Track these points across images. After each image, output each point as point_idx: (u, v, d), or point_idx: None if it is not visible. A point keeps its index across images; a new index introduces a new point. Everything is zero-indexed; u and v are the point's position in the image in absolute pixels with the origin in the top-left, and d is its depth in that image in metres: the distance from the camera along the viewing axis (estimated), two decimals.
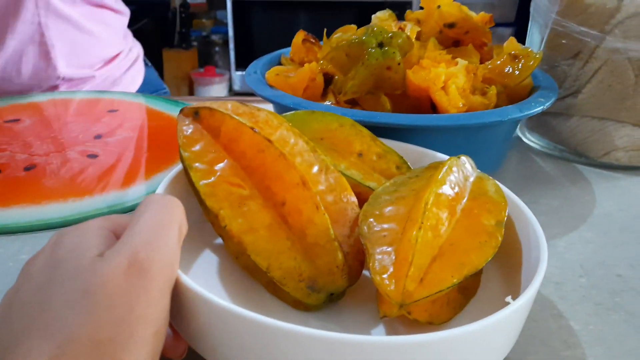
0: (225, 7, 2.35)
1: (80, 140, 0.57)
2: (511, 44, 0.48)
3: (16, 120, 0.62)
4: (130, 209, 0.44)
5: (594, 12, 0.49)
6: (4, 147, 0.55)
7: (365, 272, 0.30)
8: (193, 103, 0.69)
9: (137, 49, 0.96)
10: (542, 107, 0.42)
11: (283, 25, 2.33)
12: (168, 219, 0.24)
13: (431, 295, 0.25)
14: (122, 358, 0.20)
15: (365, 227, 0.28)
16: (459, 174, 0.31)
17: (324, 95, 0.46)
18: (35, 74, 0.80)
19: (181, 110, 0.30)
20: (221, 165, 0.29)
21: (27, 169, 0.50)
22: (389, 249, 0.27)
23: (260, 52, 0.55)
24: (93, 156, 0.53)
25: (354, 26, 0.51)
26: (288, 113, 0.35)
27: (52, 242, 0.24)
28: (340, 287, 0.28)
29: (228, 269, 0.31)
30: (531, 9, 0.57)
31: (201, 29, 2.64)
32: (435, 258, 0.27)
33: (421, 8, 0.51)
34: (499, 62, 0.46)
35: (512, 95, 0.46)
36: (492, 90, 0.43)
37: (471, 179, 0.32)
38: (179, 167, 0.32)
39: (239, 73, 2.42)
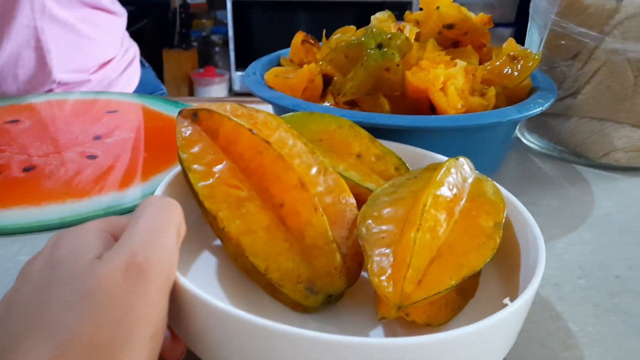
0: (225, 8, 2.35)
1: (80, 141, 0.57)
2: (510, 45, 0.48)
3: (15, 121, 0.62)
4: (130, 210, 0.44)
5: (593, 13, 0.49)
6: (3, 148, 0.55)
7: (363, 274, 0.30)
8: (192, 104, 0.69)
9: (134, 50, 0.96)
10: (541, 108, 0.42)
11: (283, 26, 2.33)
12: (166, 221, 0.24)
13: (429, 297, 0.25)
14: (120, 359, 0.20)
15: (363, 229, 0.28)
16: (457, 175, 0.31)
17: (323, 97, 0.46)
18: (31, 79, 0.80)
19: (180, 112, 0.30)
20: (220, 166, 0.29)
21: (26, 170, 0.50)
22: (387, 251, 0.27)
23: (260, 53, 0.55)
24: (92, 157, 0.53)
25: (353, 27, 0.51)
26: (287, 114, 0.35)
27: (51, 244, 0.24)
28: (338, 288, 0.28)
29: (227, 271, 0.31)
30: (530, 10, 0.57)
31: (201, 30, 2.64)
32: (433, 260, 0.27)
33: (421, 9, 0.51)
34: (498, 63, 0.46)
35: (511, 96, 0.46)
36: (491, 92, 0.43)
37: (469, 180, 0.32)
38: (177, 168, 0.32)
39: (239, 73, 2.42)
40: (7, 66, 0.78)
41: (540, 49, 0.55)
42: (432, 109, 0.42)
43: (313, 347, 0.22)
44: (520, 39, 0.59)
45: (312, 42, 0.51)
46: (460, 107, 0.41)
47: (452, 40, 0.49)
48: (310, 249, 0.28)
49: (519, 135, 0.60)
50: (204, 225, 0.30)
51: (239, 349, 0.23)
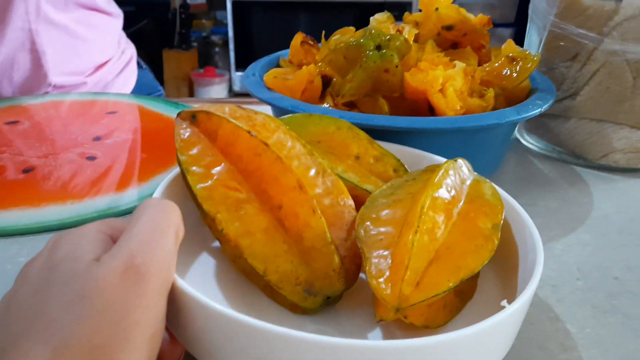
0: (225, 8, 2.35)
1: (79, 142, 0.57)
2: (509, 46, 0.48)
3: (15, 122, 0.62)
4: (129, 211, 0.44)
5: (592, 15, 0.50)
6: (2, 149, 0.55)
7: (362, 275, 0.30)
8: (192, 104, 0.69)
9: (131, 51, 0.95)
10: (539, 109, 0.42)
11: (283, 26, 2.33)
12: (165, 223, 0.24)
13: (427, 299, 0.25)
14: None
15: (362, 231, 0.28)
16: (455, 177, 0.31)
17: (322, 98, 0.46)
18: (26, 82, 0.79)
19: (178, 114, 0.30)
20: (218, 168, 0.29)
21: (25, 171, 0.50)
22: (386, 253, 0.27)
23: (260, 53, 0.55)
24: (91, 158, 0.53)
25: (352, 28, 0.51)
26: (285, 116, 0.35)
27: (50, 246, 0.24)
28: (336, 290, 0.28)
29: (225, 272, 0.31)
30: (529, 11, 0.57)
31: (201, 30, 2.64)
32: (431, 262, 0.27)
33: (420, 10, 0.51)
34: (496, 64, 0.46)
35: (510, 98, 0.46)
36: (490, 93, 0.43)
37: (468, 182, 0.32)
38: (176, 170, 0.32)
39: (239, 74, 2.42)
40: (2, 69, 0.77)
41: (539, 50, 0.55)
42: (431, 110, 0.42)
43: (311, 350, 0.22)
44: (520, 39, 0.59)
45: (312, 43, 0.51)
46: (459, 108, 0.41)
47: (451, 42, 0.49)
48: (308, 250, 0.28)
49: (518, 136, 0.60)
50: (202, 226, 0.30)
51: (238, 351, 0.23)
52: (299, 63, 0.51)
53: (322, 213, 0.28)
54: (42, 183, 0.48)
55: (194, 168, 0.28)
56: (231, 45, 2.40)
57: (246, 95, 0.47)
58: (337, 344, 0.22)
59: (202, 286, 0.30)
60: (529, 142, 0.58)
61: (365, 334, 0.28)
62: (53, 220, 0.42)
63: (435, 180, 0.29)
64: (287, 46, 0.53)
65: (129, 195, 0.46)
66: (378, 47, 0.41)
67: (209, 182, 0.28)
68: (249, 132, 0.28)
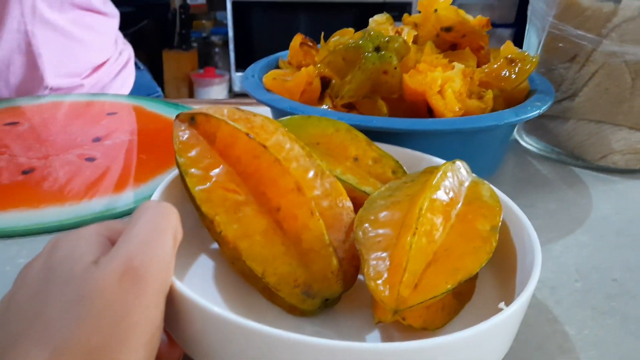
0: (225, 8, 2.35)
1: (79, 143, 0.57)
2: (508, 47, 0.48)
3: (15, 124, 0.62)
4: (128, 213, 0.44)
5: (590, 16, 0.50)
6: (2, 150, 0.55)
7: (360, 277, 0.30)
8: (192, 106, 0.69)
9: (128, 52, 0.94)
10: (538, 111, 0.42)
11: (283, 26, 2.33)
12: (163, 226, 0.24)
13: (425, 301, 0.25)
14: None
15: (360, 233, 0.28)
16: (453, 179, 0.31)
17: (321, 99, 0.46)
18: (22, 84, 0.78)
19: (177, 116, 0.30)
20: (217, 171, 0.29)
21: (25, 172, 0.50)
22: (384, 255, 0.27)
23: (260, 53, 0.55)
24: (91, 159, 0.53)
25: (351, 29, 0.51)
26: (284, 118, 0.35)
27: (49, 248, 0.24)
28: (335, 292, 0.28)
29: (224, 274, 0.31)
30: (528, 12, 0.57)
31: (201, 30, 2.64)
32: (429, 264, 0.27)
33: (419, 11, 0.51)
34: (495, 65, 0.46)
35: (509, 99, 0.46)
36: (489, 94, 0.43)
37: (466, 184, 0.32)
38: (175, 172, 0.32)
39: (239, 74, 2.42)
40: None
41: (538, 52, 0.55)
42: (429, 112, 0.42)
43: (309, 352, 0.22)
44: (520, 39, 0.59)
45: (311, 44, 0.51)
46: (457, 110, 0.41)
47: (450, 43, 0.49)
48: (307, 252, 0.28)
49: (517, 137, 0.60)
50: (201, 228, 0.30)
51: (236, 353, 0.23)
52: (298, 64, 0.51)
53: (320, 215, 0.28)
54: (41, 184, 0.48)
55: (193, 170, 0.29)
56: (231, 46, 2.41)
57: (246, 95, 0.47)
58: (335, 347, 0.22)
59: (201, 288, 0.30)
60: (528, 143, 0.59)
61: (363, 336, 0.28)
62: (52, 222, 0.42)
63: (434, 182, 0.29)
64: (287, 46, 0.53)
65: (128, 197, 0.46)
66: (377, 49, 0.41)
67: (208, 184, 0.28)
68: (247, 134, 0.28)
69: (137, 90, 0.94)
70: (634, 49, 0.48)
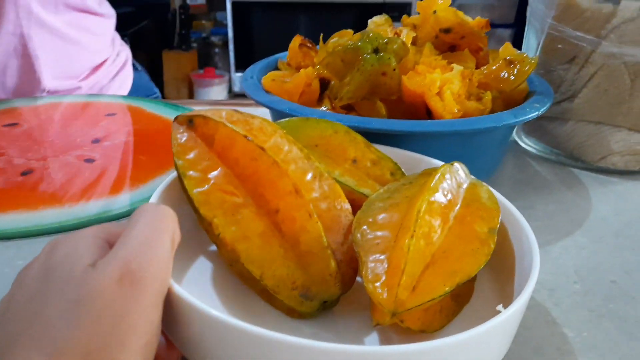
0: (224, 9, 2.35)
1: (78, 145, 0.57)
2: (506, 49, 0.48)
3: (14, 125, 0.62)
4: (126, 214, 0.44)
5: (589, 17, 0.50)
6: (1, 152, 0.55)
7: (359, 279, 0.30)
8: (191, 107, 0.69)
9: (125, 53, 0.94)
10: (537, 112, 0.42)
11: (283, 27, 2.33)
12: (161, 229, 0.24)
13: (423, 304, 0.25)
14: None
15: (358, 235, 0.28)
16: (451, 181, 0.31)
17: (319, 101, 0.46)
18: (19, 87, 0.78)
19: (175, 118, 0.30)
20: (215, 173, 0.29)
21: (24, 173, 0.50)
22: (382, 257, 0.27)
23: (260, 53, 0.55)
24: (90, 161, 0.53)
25: (350, 31, 0.51)
26: (282, 120, 0.35)
27: (47, 251, 0.24)
28: (333, 294, 0.28)
29: (223, 276, 0.31)
30: (527, 14, 0.57)
31: (201, 31, 2.64)
32: (427, 266, 0.27)
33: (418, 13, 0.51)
34: (494, 67, 0.46)
35: (508, 101, 0.46)
36: (488, 96, 0.43)
37: (464, 186, 0.32)
38: (173, 174, 0.32)
39: (239, 74, 2.42)
40: None
41: (537, 53, 0.55)
42: (428, 114, 0.42)
43: (307, 355, 0.22)
44: (520, 40, 0.59)
45: (310, 45, 0.51)
46: (456, 111, 0.41)
47: (449, 44, 0.49)
48: (305, 255, 0.28)
49: (517, 138, 0.60)
50: (200, 230, 0.30)
51: (234, 356, 0.23)
52: (297, 65, 0.51)
53: (318, 217, 0.28)
54: (40, 186, 0.48)
55: (191, 172, 0.29)
56: (231, 46, 2.41)
57: (246, 96, 0.47)
58: (333, 350, 0.22)
59: (199, 290, 0.30)
60: (527, 144, 0.59)
61: (362, 338, 0.28)
62: (51, 224, 0.42)
63: (432, 184, 0.29)
64: (287, 47, 0.53)
65: (127, 198, 0.46)
66: (375, 51, 0.41)
67: (206, 186, 0.28)
68: (245, 136, 0.28)
69: (135, 92, 0.93)
70: (633, 50, 0.48)
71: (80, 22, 0.82)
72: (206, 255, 0.33)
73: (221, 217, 0.28)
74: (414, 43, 0.49)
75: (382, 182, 0.34)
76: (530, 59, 0.46)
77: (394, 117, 0.42)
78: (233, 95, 2.55)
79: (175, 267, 0.25)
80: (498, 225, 0.29)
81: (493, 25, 0.51)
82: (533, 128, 0.57)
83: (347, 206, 0.30)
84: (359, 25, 0.51)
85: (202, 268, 0.32)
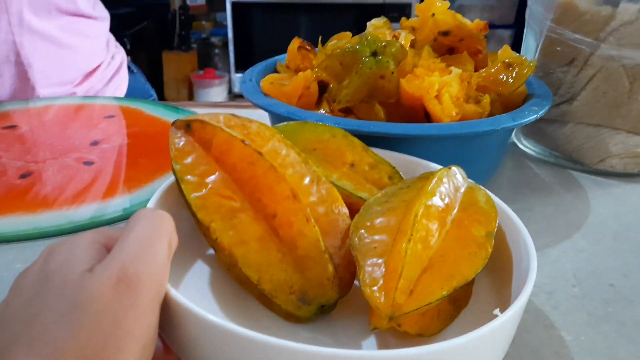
0: (224, 9, 2.35)
1: (77, 147, 0.57)
2: (505, 52, 0.48)
3: (13, 127, 0.62)
4: (127, 217, 0.44)
5: (588, 20, 0.50)
6: (0, 154, 0.55)
7: (357, 283, 0.30)
8: (191, 108, 0.69)
9: (120, 56, 0.93)
10: (535, 115, 0.42)
11: (282, 27, 2.34)
12: (158, 234, 0.24)
13: (420, 308, 0.25)
14: None
15: (356, 239, 0.28)
16: (449, 184, 0.31)
17: (318, 104, 0.46)
18: (13, 96, 0.77)
19: (173, 123, 0.30)
20: (212, 177, 0.29)
21: (22, 176, 0.50)
22: (379, 261, 0.27)
23: (260, 54, 0.55)
24: (89, 163, 0.53)
25: (349, 33, 0.51)
26: (280, 124, 0.35)
27: (44, 255, 0.24)
28: (331, 299, 0.28)
29: (220, 280, 0.31)
30: (526, 16, 0.57)
31: (201, 31, 2.64)
32: (425, 270, 0.27)
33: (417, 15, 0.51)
34: (493, 70, 0.46)
35: (507, 103, 0.46)
36: (486, 99, 0.43)
37: (462, 190, 0.32)
38: (171, 178, 0.33)
39: (239, 75, 2.42)
40: None
41: (536, 55, 0.55)
42: (427, 117, 0.42)
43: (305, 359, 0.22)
44: (520, 40, 0.59)
45: (309, 48, 0.51)
46: (454, 114, 0.41)
47: (447, 47, 0.49)
48: (302, 259, 0.28)
49: (516, 141, 0.60)
50: (198, 235, 0.30)
51: None
52: (296, 68, 0.51)
53: (316, 221, 0.28)
54: (39, 188, 0.48)
55: (189, 177, 0.29)
56: (231, 47, 2.41)
57: None
58: (331, 354, 0.22)
59: (197, 294, 0.30)
60: (526, 146, 0.59)
61: (359, 342, 0.28)
62: (49, 227, 0.42)
63: (429, 188, 0.29)
64: (287, 47, 0.53)
65: (127, 201, 0.46)
66: (374, 54, 0.41)
67: (203, 191, 0.28)
68: (242, 141, 0.28)
69: (131, 95, 0.92)
70: (631, 52, 0.48)
71: (73, 26, 0.81)
72: (204, 260, 0.33)
73: (219, 221, 0.28)
74: (412, 46, 0.49)
75: (380, 186, 0.34)
76: (529, 61, 0.46)
77: (393, 120, 0.42)
78: (233, 96, 2.55)
79: (173, 271, 0.25)
80: (495, 229, 0.29)
81: (493, 26, 0.51)
82: (532, 130, 0.57)
83: (345, 210, 0.30)
84: (359, 26, 0.51)
85: (200, 272, 0.32)
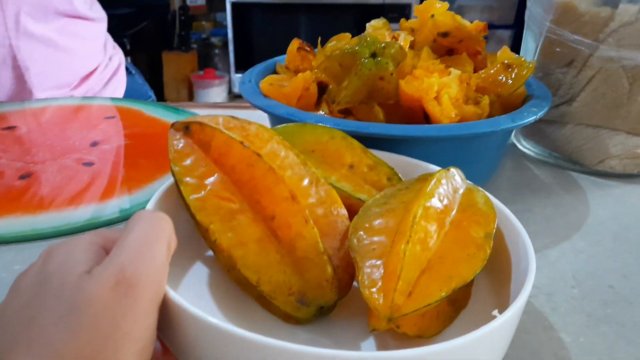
0: (224, 10, 2.36)
1: (77, 148, 0.57)
2: (504, 53, 0.48)
3: (12, 128, 0.62)
4: (126, 218, 0.44)
5: (588, 21, 0.50)
6: None
7: (356, 284, 0.30)
8: (191, 109, 0.69)
9: (118, 57, 0.92)
10: (534, 117, 0.42)
11: (282, 27, 2.34)
12: (156, 235, 0.24)
13: (419, 309, 0.25)
14: None
15: (355, 240, 0.28)
16: (448, 186, 0.31)
17: (318, 105, 0.46)
18: (10, 99, 0.77)
19: (172, 125, 0.30)
20: (211, 179, 0.29)
21: (22, 177, 0.50)
22: (378, 262, 0.27)
23: (260, 54, 0.55)
24: (89, 164, 0.53)
25: (348, 34, 0.51)
26: (279, 126, 0.35)
27: (43, 257, 0.24)
28: (330, 300, 0.28)
29: (220, 282, 0.31)
30: (526, 17, 0.57)
31: (201, 32, 2.64)
32: (423, 271, 0.27)
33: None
34: (492, 71, 0.46)
35: (506, 104, 0.46)
36: (485, 100, 0.43)
37: (460, 191, 0.32)
38: (170, 180, 0.33)
39: (239, 75, 2.42)
40: None
41: (536, 56, 0.55)
42: (426, 118, 0.42)
43: None
44: (520, 41, 0.59)
45: (308, 49, 0.51)
46: (454, 116, 0.41)
47: (447, 48, 0.50)
48: (301, 261, 0.28)
49: (515, 142, 0.60)
50: (197, 236, 0.30)
51: None
52: (295, 69, 0.51)
53: (315, 223, 0.28)
54: (38, 189, 0.48)
55: (188, 179, 0.29)
56: (231, 47, 2.41)
57: None
58: (330, 355, 0.22)
59: (196, 296, 0.30)
60: (526, 147, 0.59)
61: (358, 344, 0.28)
62: (49, 228, 0.42)
63: (428, 190, 0.29)
64: (287, 48, 0.53)
65: (126, 202, 0.46)
66: (373, 55, 0.41)
67: (202, 192, 0.28)
68: (241, 142, 0.28)
69: (129, 96, 0.92)
70: (631, 53, 0.48)
71: (70, 28, 0.80)
72: (203, 261, 0.33)
73: (218, 223, 0.28)
74: (411, 47, 0.49)
75: (379, 187, 0.34)
76: (528, 62, 0.46)
77: (392, 122, 0.42)
78: (233, 96, 2.55)
79: (172, 272, 0.25)
80: (494, 230, 0.29)
81: (493, 27, 0.51)
82: (531, 131, 0.57)
83: (344, 212, 0.30)
84: (359, 26, 0.51)
85: (199, 274, 0.32)
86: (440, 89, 0.41)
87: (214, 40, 2.62)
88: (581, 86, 0.52)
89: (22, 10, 0.74)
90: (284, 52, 0.53)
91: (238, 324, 0.23)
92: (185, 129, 0.30)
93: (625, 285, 0.37)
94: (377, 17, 0.53)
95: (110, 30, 0.93)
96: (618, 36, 0.49)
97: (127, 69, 0.95)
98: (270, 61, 0.55)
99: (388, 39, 0.48)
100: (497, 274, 0.31)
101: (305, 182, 0.30)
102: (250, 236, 0.28)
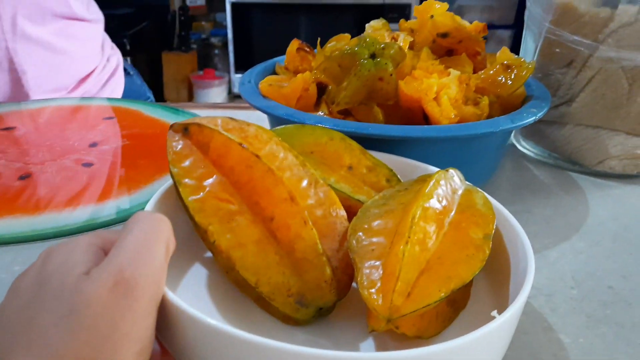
0: (224, 10, 2.36)
1: (76, 149, 0.57)
2: (504, 53, 0.48)
3: (12, 128, 0.62)
4: (125, 218, 0.44)
5: (587, 22, 0.50)
6: None
7: (355, 285, 0.30)
8: (191, 110, 0.69)
9: (116, 58, 0.92)
10: (534, 117, 0.42)
11: (282, 28, 2.34)
12: (155, 237, 0.24)
13: (418, 310, 0.25)
14: None
15: (354, 241, 0.28)
16: (446, 187, 0.31)
17: (317, 105, 0.46)
18: (9, 102, 0.76)
19: (171, 126, 0.30)
20: (210, 180, 0.29)
21: (21, 177, 0.50)
22: (377, 263, 0.27)
23: (260, 54, 0.55)
24: (88, 165, 0.53)
25: (347, 35, 0.51)
26: (278, 127, 0.35)
27: (42, 258, 0.24)
28: (329, 301, 0.28)
29: (219, 283, 0.31)
30: (525, 18, 0.57)
31: (200, 32, 2.64)
32: (422, 272, 0.27)
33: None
34: (491, 72, 0.46)
35: (505, 105, 0.46)
36: (485, 101, 0.43)
37: (459, 192, 0.32)
38: (170, 181, 0.33)
39: (239, 75, 2.43)
40: None
41: (535, 57, 0.55)
42: (425, 119, 0.42)
43: None
44: (520, 41, 0.59)
45: (307, 50, 0.51)
46: (453, 117, 0.41)
47: (446, 49, 0.50)
48: (300, 262, 0.28)
49: (515, 142, 0.60)
50: (196, 238, 0.30)
51: None
52: (294, 70, 0.51)
53: (314, 224, 0.28)
54: (38, 190, 0.48)
55: (186, 180, 0.29)
56: (230, 47, 2.41)
57: None
58: (329, 356, 0.22)
59: (195, 297, 0.30)
60: (525, 147, 0.59)
61: (357, 345, 0.28)
62: (48, 229, 0.42)
63: (426, 191, 0.29)
64: (286, 48, 0.53)
65: (125, 203, 0.46)
66: (372, 56, 0.41)
67: (201, 194, 0.28)
68: (240, 144, 0.28)
69: (127, 97, 0.91)
70: (630, 54, 0.48)
71: (67, 30, 0.80)
72: (202, 263, 0.33)
73: (216, 224, 0.28)
74: (411, 48, 0.49)
75: (378, 188, 0.34)
76: (528, 63, 0.46)
77: (391, 122, 0.42)
78: (233, 96, 2.55)
79: (170, 274, 0.25)
80: (493, 231, 0.29)
81: (493, 27, 0.51)
82: (531, 132, 0.57)
83: (343, 213, 0.30)
84: (359, 26, 0.51)
85: (198, 275, 0.32)
86: (440, 89, 0.41)
87: (214, 40, 2.62)
88: (581, 87, 0.52)
89: (18, 12, 0.73)
90: (283, 52, 0.53)
91: (237, 326, 0.23)
92: (184, 130, 0.30)
93: (625, 286, 0.37)
94: (377, 17, 0.53)
95: (110, 30, 0.92)
96: (617, 37, 0.49)
97: (125, 69, 0.94)
98: (269, 62, 0.55)
99: (387, 40, 0.48)
100: (496, 274, 0.31)
101: (304, 183, 0.30)
102: (249, 237, 0.28)
